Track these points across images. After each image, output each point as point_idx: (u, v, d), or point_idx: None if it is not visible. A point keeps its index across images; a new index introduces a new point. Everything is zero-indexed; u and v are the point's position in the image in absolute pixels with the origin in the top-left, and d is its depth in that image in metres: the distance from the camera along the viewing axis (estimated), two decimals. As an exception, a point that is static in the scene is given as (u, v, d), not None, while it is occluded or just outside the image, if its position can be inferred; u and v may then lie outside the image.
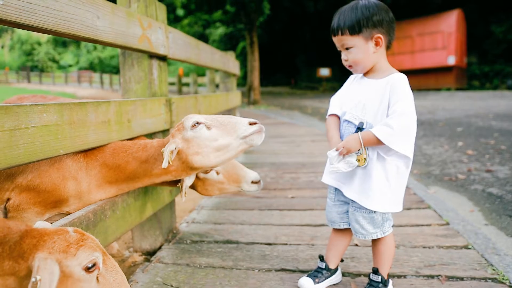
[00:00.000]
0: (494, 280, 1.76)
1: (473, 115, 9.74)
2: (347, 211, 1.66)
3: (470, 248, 2.10)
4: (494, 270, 1.84)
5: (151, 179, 1.66)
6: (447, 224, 2.47)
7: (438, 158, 5.26)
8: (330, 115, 1.69)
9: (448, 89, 21.16)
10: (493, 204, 3.31)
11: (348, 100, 1.62)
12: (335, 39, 1.54)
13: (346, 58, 1.54)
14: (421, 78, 22.05)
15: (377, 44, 1.49)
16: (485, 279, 1.77)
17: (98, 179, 1.63)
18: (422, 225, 2.47)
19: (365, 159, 1.50)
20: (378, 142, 1.45)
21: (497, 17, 23.45)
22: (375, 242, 1.65)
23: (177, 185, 1.79)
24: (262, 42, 24.54)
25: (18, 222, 1.09)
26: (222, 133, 1.54)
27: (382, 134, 1.43)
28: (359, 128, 1.52)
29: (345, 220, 1.68)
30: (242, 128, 1.53)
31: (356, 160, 1.50)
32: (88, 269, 1.02)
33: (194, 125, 1.55)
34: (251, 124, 1.54)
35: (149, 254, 2.30)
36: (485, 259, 1.96)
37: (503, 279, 1.76)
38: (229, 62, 4.97)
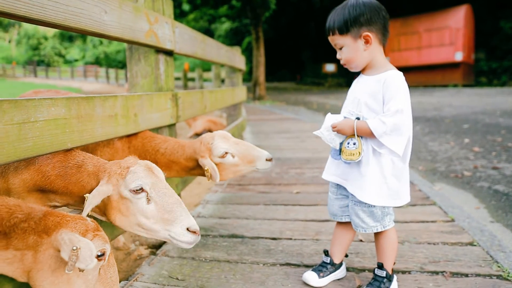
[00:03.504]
0: (499, 277, 1.76)
1: (480, 112, 9.65)
2: (349, 205, 1.68)
3: (475, 245, 2.10)
4: (499, 267, 1.84)
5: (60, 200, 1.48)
6: (453, 220, 2.46)
7: (444, 154, 5.23)
8: None
9: (455, 86, 20.96)
10: (499, 201, 3.29)
11: (347, 98, 1.67)
12: (329, 39, 1.61)
13: (340, 57, 1.60)
14: (428, 74, 21.86)
15: (366, 42, 1.53)
16: (490, 276, 1.77)
17: (29, 186, 1.45)
18: (427, 222, 2.46)
19: (359, 153, 1.53)
20: (371, 134, 1.49)
21: (506, 12, 23.10)
22: (377, 237, 1.67)
23: (206, 169, 1.83)
24: (267, 38, 24.45)
25: (38, 205, 1.16)
26: (157, 217, 1.32)
27: (375, 127, 1.47)
28: (358, 119, 1.57)
29: (346, 214, 1.71)
30: (177, 229, 1.31)
31: (351, 154, 1.55)
32: (97, 257, 1.06)
33: (137, 190, 1.31)
34: (188, 230, 1.33)
35: (155, 248, 2.32)
36: (491, 256, 1.95)
37: (508, 276, 1.75)
38: (235, 57, 4.96)
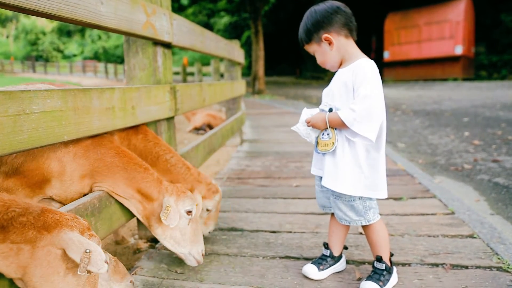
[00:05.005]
0: (499, 269, 1.75)
1: (480, 105, 9.63)
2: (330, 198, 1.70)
3: (475, 237, 2.09)
4: (499, 259, 1.84)
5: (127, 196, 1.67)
6: (453, 213, 2.46)
7: (444, 148, 5.22)
8: None
9: (455, 79, 20.90)
10: (499, 194, 3.28)
11: (324, 92, 1.73)
12: (305, 49, 1.73)
13: (318, 61, 1.70)
14: (428, 68, 21.79)
15: (329, 43, 1.60)
16: (490, 267, 1.77)
17: (86, 170, 1.59)
18: (427, 214, 2.46)
19: (333, 143, 1.56)
20: (343, 125, 1.51)
21: (507, 5, 22.95)
22: (366, 232, 1.67)
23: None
24: (267, 31, 24.33)
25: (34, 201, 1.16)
26: (189, 239, 1.72)
27: (345, 116, 1.49)
28: (331, 110, 1.61)
29: None
30: None
31: (326, 144, 1.59)
32: None
33: (189, 212, 1.68)
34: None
35: (154, 241, 2.31)
36: (491, 248, 1.95)
37: (508, 268, 1.75)
38: (234, 50, 4.93)
